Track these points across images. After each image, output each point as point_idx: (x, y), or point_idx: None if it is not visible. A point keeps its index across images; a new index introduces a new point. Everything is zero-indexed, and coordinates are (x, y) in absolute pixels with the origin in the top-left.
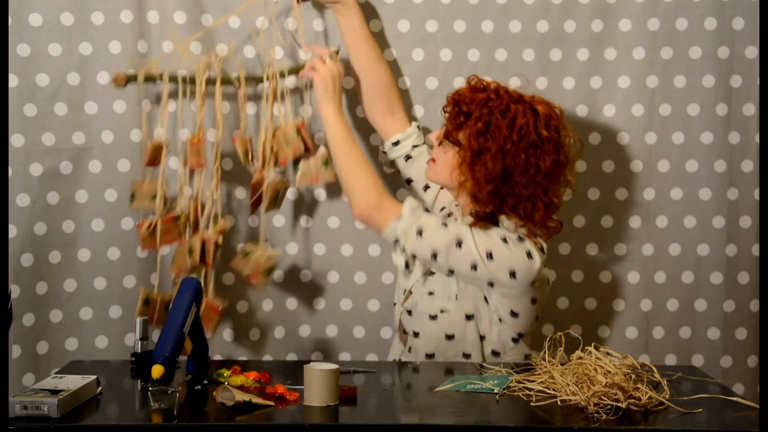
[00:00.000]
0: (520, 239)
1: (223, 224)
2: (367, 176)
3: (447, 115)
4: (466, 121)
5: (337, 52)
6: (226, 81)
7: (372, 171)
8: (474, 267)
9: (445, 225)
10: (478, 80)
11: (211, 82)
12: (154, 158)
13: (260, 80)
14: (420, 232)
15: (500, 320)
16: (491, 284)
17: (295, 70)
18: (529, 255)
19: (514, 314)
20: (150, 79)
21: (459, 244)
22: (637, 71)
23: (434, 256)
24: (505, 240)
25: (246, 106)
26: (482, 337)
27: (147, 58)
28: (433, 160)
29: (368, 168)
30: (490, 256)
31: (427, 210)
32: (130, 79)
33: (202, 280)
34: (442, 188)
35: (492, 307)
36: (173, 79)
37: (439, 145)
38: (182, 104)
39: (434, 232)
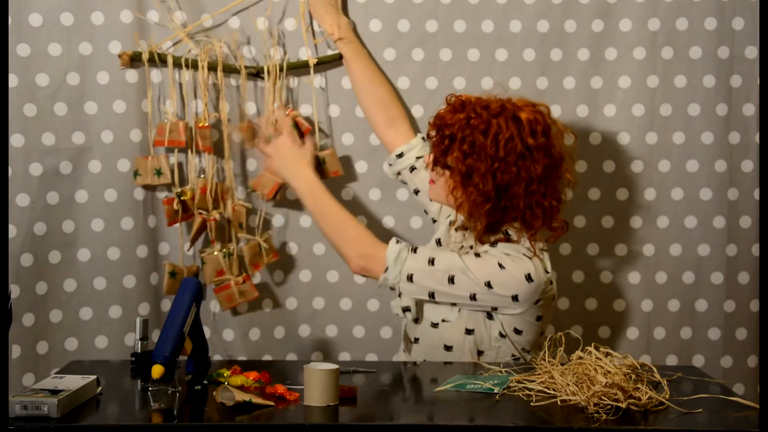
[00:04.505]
0: (524, 257)
1: (237, 206)
2: (350, 230)
3: (432, 140)
4: (450, 144)
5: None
6: (228, 68)
7: (354, 223)
8: (473, 297)
9: (432, 261)
10: (456, 98)
11: (212, 67)
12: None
13: (260, 71)
14: (410, 277)
15: (502, 336)
16: (494, 309)
17: (293, 66)
18: (529, 278)
19: (517, 331)
20: (154, 60)
21: (452, 279)
22: (638, 71)
23: (431, 295)
24: (501, 266)
25: (246, 94)
26: (480, 352)
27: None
28: (433, 181)
29: (350, 222)
30: (489, 285)
31: (414, 250)
32: (135, 57)
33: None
34: None
35: (496, 323)
36: (177, 62)
37: (431, 170)
38: (186, 85)
39: (424, 274)
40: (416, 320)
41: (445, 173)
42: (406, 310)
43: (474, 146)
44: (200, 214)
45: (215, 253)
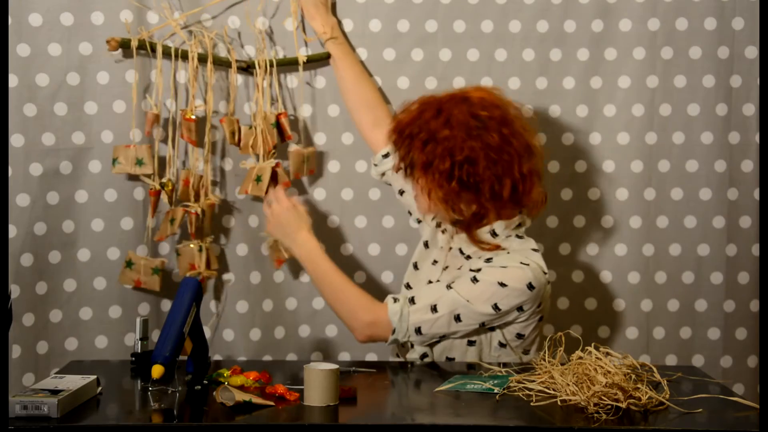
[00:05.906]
0: (522, 266)
1: (212, 199)
2: (349, 298)
3: (396, 147)
4: (411, 141)
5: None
6: (218, 61)
7: (352, 289)
8: (482, 324)
9: (435, 308)
10: (407, 103)
11: (202, 59)
12: (153, 126)
13: (251, 65)
14: (418, 330)
15: (502, 345)
16: (505, 324)
17: (283, 63)
18: (530, 286)
19: (520, 336)
20: (143, 47)
21: (458, 317)
22: (638, 71)
23: (443, 337)
24: (502, 284)
25: (237, 86)
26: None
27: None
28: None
29: (347, 289)
30: (495, 307)
31: (412, 300)
32: (124, 44)
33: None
34: None
35: (497, 333)
36: (167, 51)
37: (404, 176)
38: (174, 77)
39: (431, 323)
40: (433, 362)
41: (415, 175)
42: (423, 357)
43: (429, 132)
44: (183, 207)
45: (191, 245)
